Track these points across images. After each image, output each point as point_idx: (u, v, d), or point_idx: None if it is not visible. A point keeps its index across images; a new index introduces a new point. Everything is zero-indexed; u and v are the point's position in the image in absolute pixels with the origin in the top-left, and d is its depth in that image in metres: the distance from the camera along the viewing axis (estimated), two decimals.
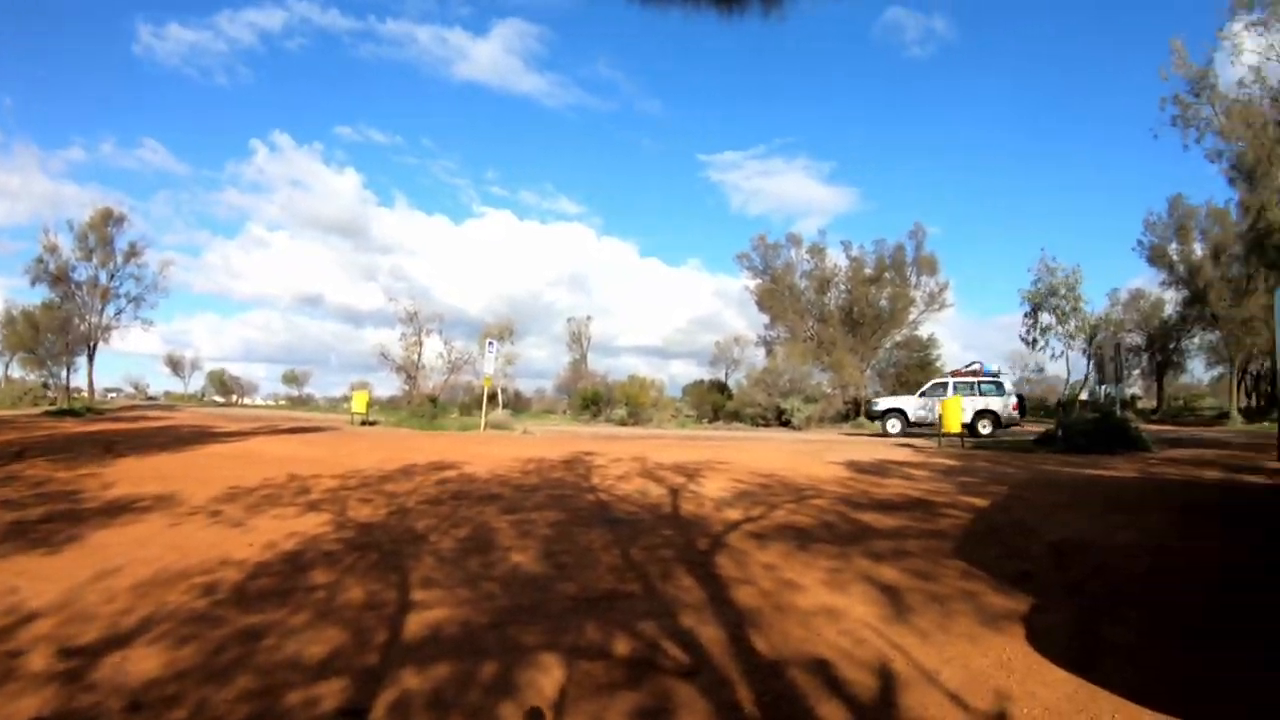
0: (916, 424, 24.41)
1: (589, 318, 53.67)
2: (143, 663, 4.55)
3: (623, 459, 13.68)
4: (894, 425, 24.33)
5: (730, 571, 6.26)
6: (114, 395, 72.70)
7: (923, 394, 25.15)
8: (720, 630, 4.94)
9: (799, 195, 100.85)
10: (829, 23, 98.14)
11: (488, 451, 15.40)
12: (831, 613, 5.40)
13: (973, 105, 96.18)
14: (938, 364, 40.81)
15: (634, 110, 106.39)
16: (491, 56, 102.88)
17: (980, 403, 23.95)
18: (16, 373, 51.99)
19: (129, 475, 11.58)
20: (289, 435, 20.36)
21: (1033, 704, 3.97)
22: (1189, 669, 4.44)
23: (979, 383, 24.52)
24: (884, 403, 25.71)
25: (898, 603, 5.60)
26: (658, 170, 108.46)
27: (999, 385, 24.46)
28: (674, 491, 9.99)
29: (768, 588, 5.90)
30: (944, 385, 24.62)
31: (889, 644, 4.79)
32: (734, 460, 13.74)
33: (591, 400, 37.32)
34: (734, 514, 8.60)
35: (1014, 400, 24.25)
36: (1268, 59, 17.62)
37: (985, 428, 23.49)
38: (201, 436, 18.78)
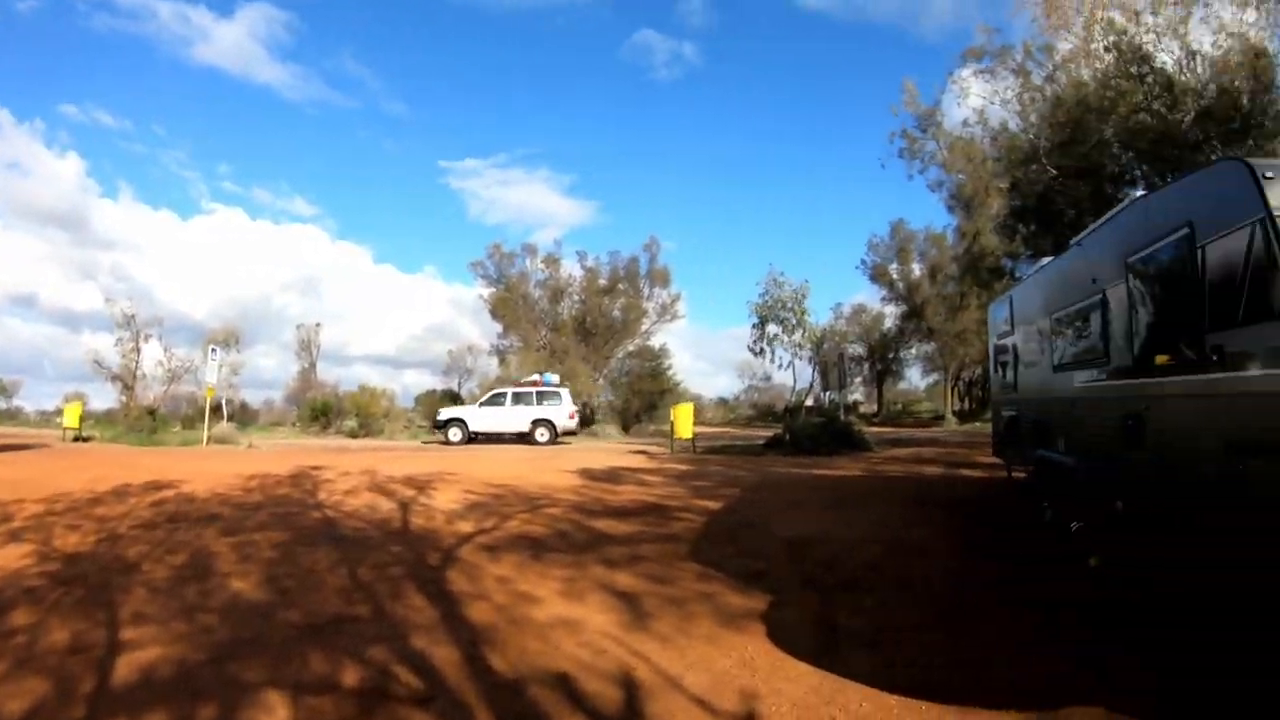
0: (480, 433, 24.98)
1: (319, 324, 50.62)
2: None
3: (351, 472, 13.22)
4: (455, 434, 24.67)
5: (463, 587, 6.10)
6: None
7: (483, 404, 25.63)
8: (455, 650, 4.73)
9: (538, 206, 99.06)
10: (578, 37, 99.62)
11: (209, 468, 14.38)
12: (570, 624, 5.31)
13: (713, 128, 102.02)
14: (669, 373, 42.71)
15: (378, 110, 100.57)
16: (235, 40, 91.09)
17: (538, 412, 24.82)
18: None
19: None
20: None
21: (780, 701, 4.01)
22: (927, 651, 4.70)
23: (538, 393, 25.30)
24: (446, 413, 25.94)
25: (636, 609, 5.62)
26: (397, 174, 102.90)
27: (558, 396, 25.33)
28: (404, 505, 9.75)
29: (503, 602, 5.76)
30: (504, 395, 25.43)
31: (630, 652, 4.73)
32: (466, 471, 13.65)
33: (321, 411, 35.32)
34: (466, 526, 8.47)
35: (571, 410, 25.23)
36: (991, 103, 19.98)
37: (542, 435, 24.42)
38: None
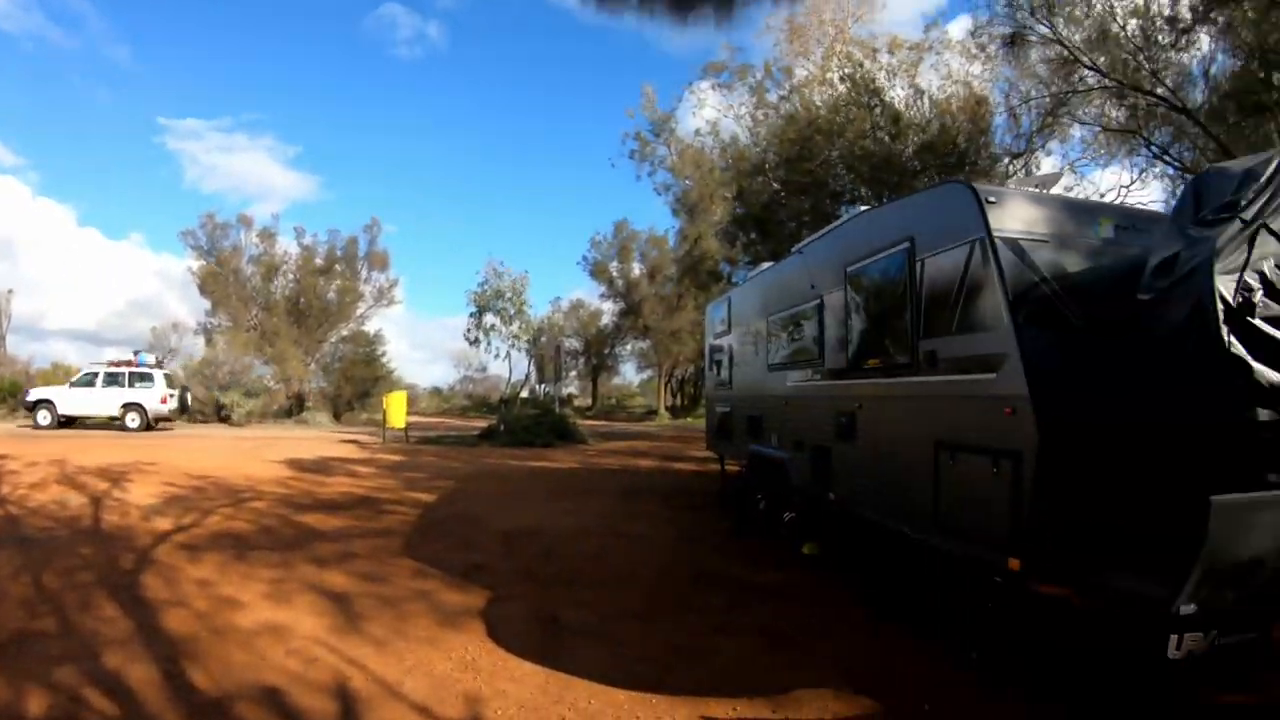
0: (74, 416, 23.24)
1: (10, 291, 42.77)
2: None
3: (40, 462, 12.03)
4: (44, 417, 22.71)
5: (160, 593, 5.52)
6: None
7: (74, 384, 23.54)
8: (153, 668, 4.20)
9: (259, 176, 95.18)
10: (319, 1, 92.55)
11: None
12: (278, 630, 4.83)
13: (448, 114, 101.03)
14: (384, 360, 41.21)
15: (99, 54, 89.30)
16: None
17: (130, 395, 23.15)
18: None
19: None
20: None
21: (506, 704, 3.81)
22: (653, 643, 4.66)
23: (130, 374, 23.53)
24: (35, 393, 23.72)
25: (349, 611, 5.26)
26: (112, 127, 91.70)
27: (151, 378, 23.70)
28: (96, 500, 8.91)
29: (204, 608, 5.21)
30: (95, 375, 23.49)
31: (344, 659, 4.34)
32: (165, 461, 12.91)
33: (9, 392, 31.16)
34: (164, 523, 7.84)
35: (165, 394, 23.59)
36: (725, 115, 21.30)
37: (133, 421, 22.91)
38: None
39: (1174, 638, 3.08)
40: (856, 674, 4.19)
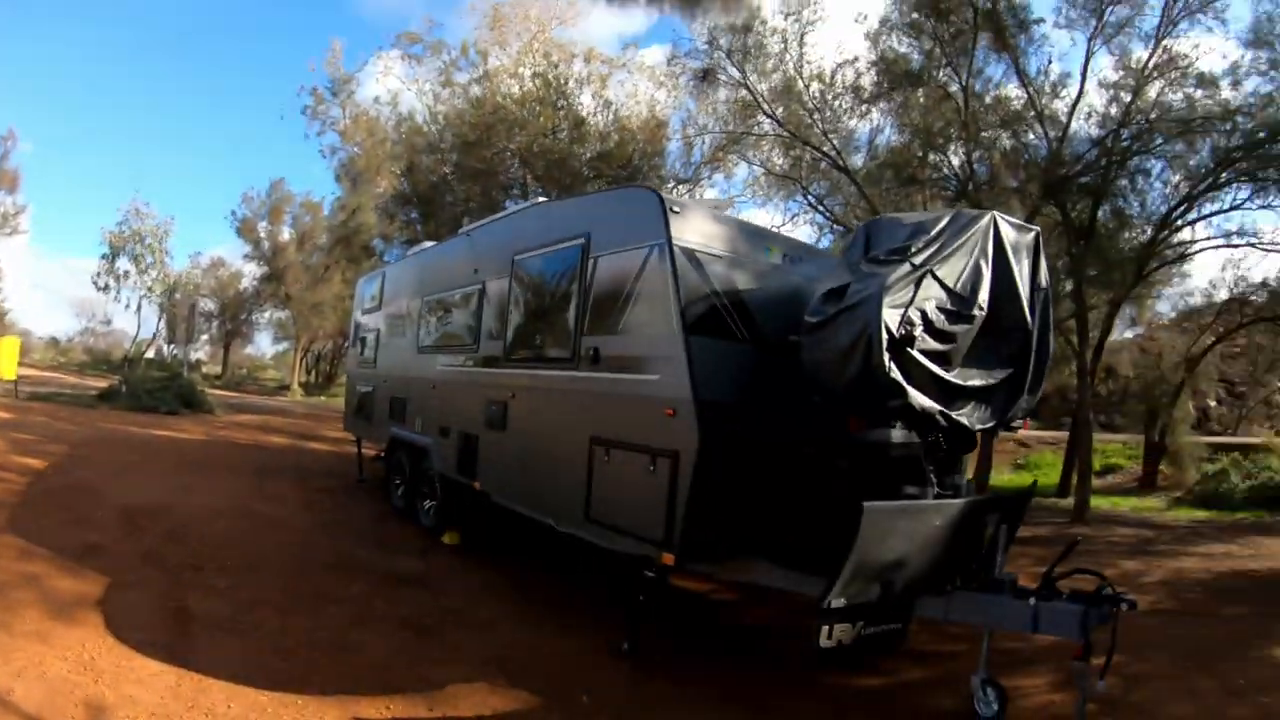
0: None
1: None
2: None
3: None
4: None
5: None
6: None
7: None
8: None
9: None
10: None
11: None
12: None
13: (107, 36, 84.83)
14: None
15: None
16: None
17: None
18: None
19: None
20: None
21: (134, 710, 3.29)
22: (294, 637, 4.26)
23: None
24: None
25: None
26: None
27: None
28: None
29: None
30: None
31: None
32: None
33: None
34: None
35: None
36: (408, 88, 20.10)
37: None
38: None
39: (825, 628, 3.31)
40: (510, 666, 4.11)
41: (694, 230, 4.40)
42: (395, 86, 20.51)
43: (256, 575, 5.35)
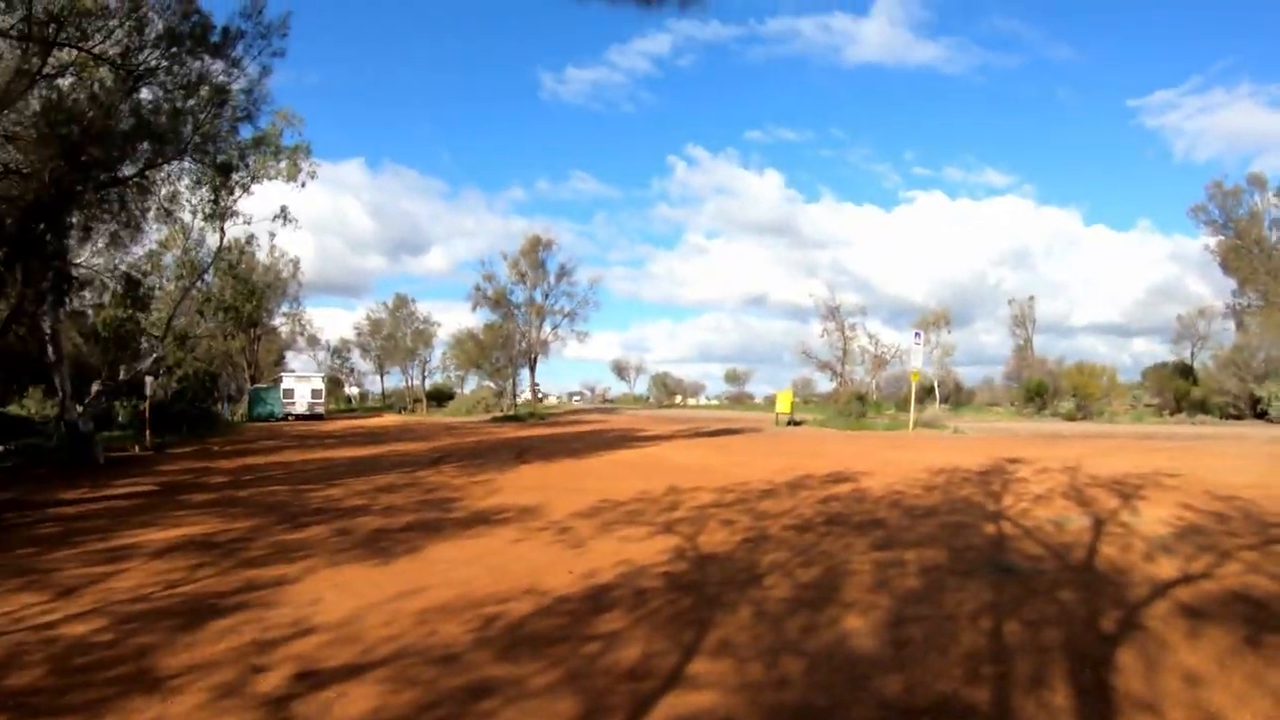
0: None
1: (1032, 298, 46.52)
2: (351, 704, 3.67)
3: (1051, 469, 11.35)
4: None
5: (1132, 681, 3.79)
6: (578, 399, 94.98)
7: None
8: None
9: (1250, 129, 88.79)
10: None
11: (899, 459, 14.16)
12: None
13: None
14: None
15: (1043, 60, 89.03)
16: (879, 34, 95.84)
17: None
18: (471, 385, 53.82)
19: (515, 484, 11.88)
20: (706, 439, 21.49)
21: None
22: None
23: None
24: None
25: None
26: (1082, 123, 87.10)
27: None
28: (1098, 524, 7.46)
29: None
30: None
31: None
32: (1189, 472, 10.57)
33: (1036, 392, 34.16)
34: (1167, 567, 5.85)
35: None
36: None
37: None
38: (622, 440, 21.30)
39: None
40: None
41: None
42: None
43: None
